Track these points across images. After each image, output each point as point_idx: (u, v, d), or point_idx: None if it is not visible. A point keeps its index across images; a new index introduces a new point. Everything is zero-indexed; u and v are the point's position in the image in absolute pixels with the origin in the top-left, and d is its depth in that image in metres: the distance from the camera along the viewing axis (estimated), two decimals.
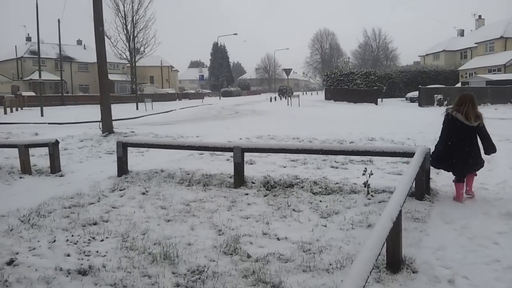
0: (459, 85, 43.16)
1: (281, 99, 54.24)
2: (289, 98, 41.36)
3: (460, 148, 6.56)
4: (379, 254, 3.00)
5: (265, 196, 6.96)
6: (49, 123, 22.86)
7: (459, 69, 52.58)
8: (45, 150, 9.48)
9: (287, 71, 43.69)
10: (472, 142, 6.63)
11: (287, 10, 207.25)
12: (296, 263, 4.39)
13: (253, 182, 7.69)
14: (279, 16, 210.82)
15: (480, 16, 60.51)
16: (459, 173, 6.65)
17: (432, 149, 6.96)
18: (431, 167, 6.88)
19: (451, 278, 4.04)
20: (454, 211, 6.04)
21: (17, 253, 4.70)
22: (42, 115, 27.74)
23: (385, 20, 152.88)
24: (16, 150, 9.23)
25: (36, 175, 8.97)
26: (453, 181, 6.75)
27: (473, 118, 6.62)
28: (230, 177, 7.91)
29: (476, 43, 52.62)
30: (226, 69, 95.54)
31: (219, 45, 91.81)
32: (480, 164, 6.77)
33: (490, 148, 6.79)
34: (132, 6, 38.40)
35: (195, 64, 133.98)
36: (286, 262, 4.43)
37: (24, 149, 9.06)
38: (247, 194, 7.07)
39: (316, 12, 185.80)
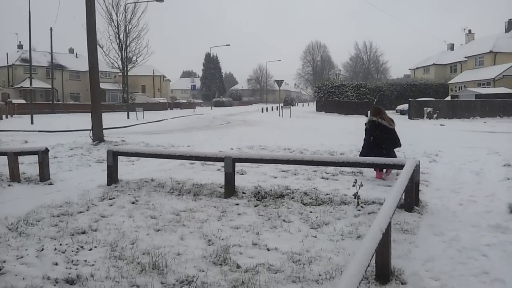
0: (448, 98, 43.60)
1: (286, 106, 55.58)
2: (281, 109, 41.48)
3: (384, 144, 8.91)
4: (368, 265, 3.01)
5: (255, 206, 6.95)
6: (39, 131, 22.70)
7: (448, 82, 53.16)
8: (35, 158, 9.42)
9: (279, 83, 43.85)
10: (390, 139, 9.03)
11: (280, 22, 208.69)
12: (286, 274, 4.38)
13: (243, 192, 7.68)
14: (272, 28, 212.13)
15: (470, 31, 61.40)
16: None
17: (422, 162, 7.12)
18: None
19: None
20: (443, 223, 6.08)
21: (4, 262, 4.64)
22: (32, 123, 27.57)
23: (376, 34, 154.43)
24: (5, 158, 9.14)
25: (25, 183, 8.89)
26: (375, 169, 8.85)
27: (391, 122, 9.12)
28: (221, 187, 7.90)
29: (465, 57, 53.29)
30: (218, 79, 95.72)
31: (211, 55, 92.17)
32: (394, 155, 9.04)
33: (399, 144, 9.16)
34: (125, 15, 38.42)
35: (187, 74, 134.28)
36: (276, 273, 4.42)
37: (13, 156, 8.98)
38: (237, 204, 7.06)
39: (308, 25, 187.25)
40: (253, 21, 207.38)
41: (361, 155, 9.14)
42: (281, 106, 42.04)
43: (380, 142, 8.91)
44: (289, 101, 71.39)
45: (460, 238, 5.42)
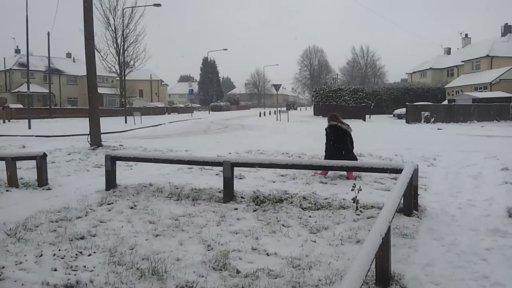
0: (445, 102, 43.74)
1: (288, 110, 59.33)
2: (278, 113, 41.52)
3: (344, 146, 9.80)
4: (368, 270, 3.01)
5: (254, 211, 6.95)
6: (36, 136, 22.66)
7: (445, 86, 53.30)
8: (33, 163, 9.39)
9: (277, 87, 43.88)
10: (349, 141, 10.02)
11: (277, 27, 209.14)
12: (286, 279, 4.37)
13: (242, 197, 7.68)
14: (269, 32, 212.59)
15: (466, 35, 61.69)
16: None
17: (420, 166, 7.13)
18: None
19: None
20: (442, 227, 6.09)
21: (3, 267, 4.62)
22: (29, 127, 27.52)
23: (373, 38, 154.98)
24: (3, 163, 9.11)
25: (23, 188, 8.86)
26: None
27: (348, 127, 10.07)
28: (220, 192, 7.89)
29: (462, 61, 53.49)
30: (216, 83, 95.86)
31: (209, 60, 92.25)
32: (354, 155, 10.01)
33: (352, 145, 10.09)
34: (123, 20, 38.58)
35: (184, 79, 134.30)
36: (276, 278, 4.42)
37: (11, 161, 8.96)
38: (236, 209, 7.05)
39: (305, 29, 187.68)
40: (252, 26, 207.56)
41: (325, 156, 10.07)
42: (279, 111, 42.06)
43: (340, 144, 9.83)
44: (290, 105, 77.34)
45: (459, 242, 5.43)
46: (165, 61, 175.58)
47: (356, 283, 2.72)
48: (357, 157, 12.70)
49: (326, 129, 10.20)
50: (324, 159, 10.01)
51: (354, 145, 10.16)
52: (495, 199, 7.59)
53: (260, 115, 50.13)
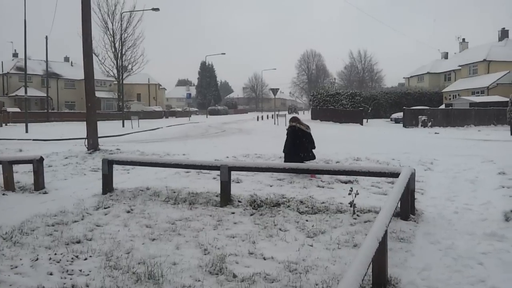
0: (443, 106, 43.80)
1: (290, 114, 66.03)
2: (276, 117, 41.55)
3: (303, 146, 10.52)
4: (365, 274, 3.01)
5: (251, 215, 6.94)
6: (33, 140, 22.60)
7: (443, 91, 53.42)
8: (29, 166, 9.38)
9: (274, 91, 43.99)
10: (308, 142, 10.66)
11: (275, 31, 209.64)
12: (282, 283, 4.37)
13: (239, 201, 7.67)
14: (267, 37, 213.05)
15: (463, 39, 61.85)
16: (302, 162, 10.02)
17: (417, 170, 7.13)
18: None
19: None
20: (439, 231, 6.09)
21: None
22: (27, 131, 27.45)
23: (371, 42, 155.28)
24: None
25: (19, 192, 8.84)
26: None
27: (307, 128, 10.86)
28: (217, 196, 7.88)
29: (459, 66, 53.62)
30: (214, 87, 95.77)
31: (207, 64, 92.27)
32: (313, 154, 10.64)
33: (313, 145, 10.73)
34: (121, 24, 38.65)
35: (182, 83, 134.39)
36: (272, 282, 4.41)
37: (8, 165, 8.94)
38: (233, 213, 7.05)
39: (303, 34, 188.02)
40: (250, 30, 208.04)
41: (285, 155, 10.84)
42: (277, 115, 42.06)
43: (300, 143, 10.58)
44: (292, 109, 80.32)
45: (456, 246, 5.43)
46: (163, 65, 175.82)
47: (353, 287, 2.71)
48: (354, 161, 12.77)
49: (287, 129, 11.07)
50: (284, 156, 10.89)
51: (314, 145, 10.82)
52: (492, 203, 7.60)
53: (257, 119, 50.11)
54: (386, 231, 3.97)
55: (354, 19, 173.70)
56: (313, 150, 10.72)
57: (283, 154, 14.30)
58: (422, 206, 7.41)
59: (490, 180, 9.76)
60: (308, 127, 10.97)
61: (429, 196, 8.36)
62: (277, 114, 42.31)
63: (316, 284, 4.34)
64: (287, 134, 10.99)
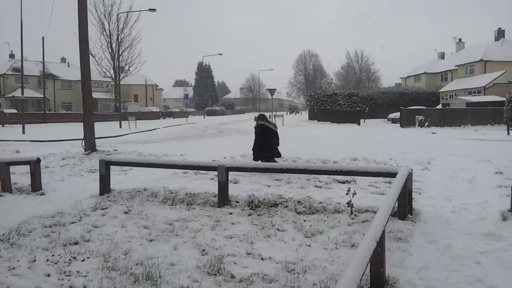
0: (439, 106, 43.90)
1: (295, 114, 72.40)
2: (273, 117, 41.58)
3: (270, 144, 11.15)
4: (363, 274, 3.02)
5: (249, 215, 6.94)
6: (30, 141, 22.54)
7: (439, 91, 53.55)
8: (26, 168, 9.35)
9: (271, 91, 43.90)
10: (275, 139, 11.33)
11: (273, 31, 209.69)
12: (280, 284, 4.37)
13: (237, 201, 7.67)
14: (264, 38, 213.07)
15: (460, 40, 61.99)
16: (270, 159, 10.93)
17: (415, 170, 7.15)
18: None
19: None
20: (437, 230, 6.10)
21: None
22: (23, 132, 27.39)
23: (368, 43, 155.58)
24: None
25: (16, 193, 8.81)
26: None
27: (275, 126, 11.52)
28: (214, 196, 7.88)
29: (456, 66, 53.75)
30: (211, 88, 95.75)
31: (204, 64, 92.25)
32: (278, 152, 11.37)
33: (278, 143, 11.43)
34: (118, 25, 38.58)
35: (179, 83, 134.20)
36: (270, 283, 4.41)
37: (4, 166, 8.91)
38: (231, 213, 7.04)
39: (300, 34, 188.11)
40: (247, 30, 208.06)
41: (254, 153, 11.35)
42: (274, 115, 42.04)
43: (267, 140, 11.18)
44: (293, 108, 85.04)
45: (454, 245, 5.44)
46: (160, 66, 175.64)
47: (351, 287, 2.72)
48: (352, 161, 12.79)
49: (255, 127, 11.61)
50: (253, 153, 11.41)
51: (279, 142, 11.57)
52: (489, 203, 7.62)
53: (255, 120, 50.16)
54: (383, 231, 3.98)
55: (352, 20, 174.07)
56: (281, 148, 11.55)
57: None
58: (419, 205, 7.43)
59: (487, 180, 9.78)
60: (275, 125, 11.62)
61: (427, 195, 8.38)
62: (274, 115, 42.30)
63: (314, 284, 4.34)
64: (255, 133, 11.54)
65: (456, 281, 4.40)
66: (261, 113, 12.38)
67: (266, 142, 11.20)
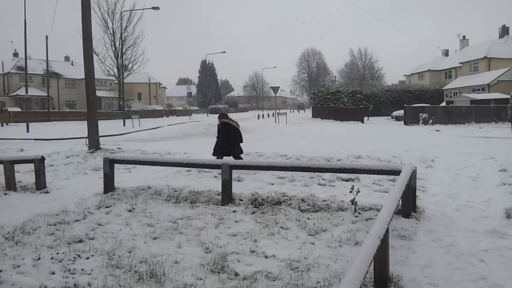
0: (443, 104, 43.77)
1: (298, 112, 74.25)
2: (277, 115, 41.56)
3: (234, 141, 11.60)
4: (366, 272, 3.01)
5: (253, 213, 6.95)
6: (35, 139, 22.62)
7: (443, 88, 53.34)
8: (31, 166, 9.38)
9: (275, 89, 43.90)
10: (237, 136, 11.71)
11: (276, 29, 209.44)
12: (284, 281, 4.37)
13: (241, 199, 7.68)
14: (268, 35, 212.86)
15: (464, 37, 61.72)
16: (235, 155, 11.49)
17: (419, 168, 7.14)
18: None
19: None
20: (441, 228, 6.09)
21: (1, 271, 4.62)
22: (28, 131, 27.47)
23: (371, 40, 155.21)
24: (1, 166, 9.10)
25: (21, 192, 8.85)
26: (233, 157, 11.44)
27: (237, 124, 11.83)
28: (218, 194, 7.89)
29: (460, 63, 53.55)
30: (214, 86, 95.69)
31: (207, 62, 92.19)
32: (241, 148, 11.72)
33: (241, 140, 11.79)
34: (121, 23, 38.45)
35: (183, 81, 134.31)
36: (274, 280, 4.41)
37: (9, 165, 8.95)
38: (235, 211, 7.05)
39: (303, 31, 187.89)
40: (251, 28, 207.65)
41: (215, 147, 11.76)
42: (278, 113, 42.07)
43: (230, 138, 11.61)
44: (301, 106, 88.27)
45: (458, 243, 5.43)
46: (164, 64, 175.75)
47: (355, 285, 2.72)
48: (356, 158, 12.77)
49: (218, 125, 11.96)
50: (214, 149, 11.76)
51: (242, 140, 11.90)
52: (493, 200, 7.61)
53: (258, 118, 50.16)
54: (387, 229, 3.97)
55: (355, 18, 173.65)
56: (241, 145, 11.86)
57: (283, 152, 14.36)
58: (423, 203, 7.42)
59: (491, 177, 9.76)
60: (237, 123, 11.97)
61: (431, 193, 8.36)
62: (278, 113, 42.30)
63: (318, 282, 4.34)
64: (218, 131, 11.95)
65: (460, 279, 4.40)
66: (223, 111, 13.43)
67: (229, 139, 11.59)
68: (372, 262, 3.54)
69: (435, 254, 5.10)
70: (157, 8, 36.08)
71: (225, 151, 11.55)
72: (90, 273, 4.60)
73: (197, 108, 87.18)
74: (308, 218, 6.57)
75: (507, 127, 26.73)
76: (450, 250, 5.24)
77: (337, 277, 4.40)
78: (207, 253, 5.22)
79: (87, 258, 5.03)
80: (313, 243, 5.51)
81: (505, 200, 7.51)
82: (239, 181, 9.42)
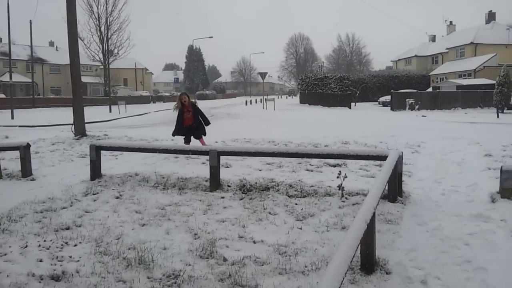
0: (430, 89, 44.07)
1: (292, 98, 75.09)
2: (265, 101, 41.51)
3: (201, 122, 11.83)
4: (353, 256, 3.05)
5: (241, 199, 6.97)
6: (19, 126, 22.35)
7: (430, 74, 53.65)
8: (16, 153, 9.28)
9: (263, 75, 43.76)
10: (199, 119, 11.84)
11: (263, 14, 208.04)
12: (272, 266, 4.41)
13: (229, 186, 7.69)
14: (256, 20, 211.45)
15: (451, 22, 61.98)
16: (197, 136, 11.80)
17: (405, 153, 7.20)
18: None
19: (424, 278, 4.13)
20: (426, 213, 6.17)
21: None
22: (12, 117, 27.13)
23: (359, 26, 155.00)
24: None
25: (6, 179, 8.76)
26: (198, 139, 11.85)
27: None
28: (206, 181, 7.89)
29: (447, 49, 53.81)
30: (202, 72, 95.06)
31: (194, 48, 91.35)
32: (204, 132, 11.89)
33: (207, 121, 11.98)
34: (106, 7, 37.84)
35: (170, 67, 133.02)
36: (262, 265, 4.45)
37: None
38: (223, 197, 7.07)
39: (291, 17, 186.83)
40: (239, 14, 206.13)
41: (175, 128, 11.95)
42: (265, 99, 42.03)
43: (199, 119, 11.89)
44: (292, 92, 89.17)
45: (443, 227, 5.51)
46: (150, 49, 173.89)
47: (342, 269, 2.75)
48: (343, 144, 12.84)
49: (179, 107, 11.92)
50: (174, 130, 11.98)
51: (204, 119, 11.96)
52: (478, 185, 7.71)
53: (246, 104, 50.07)
54: (374, 213, 4.02)
55: (342, 2, 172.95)
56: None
57: (271, 138, 14.37)
58: (409, 188, 7.49)
59: (477, 162, 9.88)
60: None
61: (417, 178, 8.45)
62: (265, 99, 42.25)
63: (306, 266, 4.39)
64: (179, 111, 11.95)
65: (445, 262, 4.47)
66: (183, 92, 14.32)
67: (199, 120, 11.80)
68: (359, 246, 3.58)
69: (420, 238, 5.17)
70: None
71: (183, 131, 11.83)
72: (78, 260, 4.59)
73: None
74: (296, 204, 6.61)
75: (493, 112, 27.05)
76: (435, 234, 5.32)
77: (325, 261, 4.45)
78: (195, 239, 5.24)
79: (75, 245, 5.01)
80: (300, 228, 5.55)
81: (490, 184, 7.61)
82: (227, 167, 9.42)
